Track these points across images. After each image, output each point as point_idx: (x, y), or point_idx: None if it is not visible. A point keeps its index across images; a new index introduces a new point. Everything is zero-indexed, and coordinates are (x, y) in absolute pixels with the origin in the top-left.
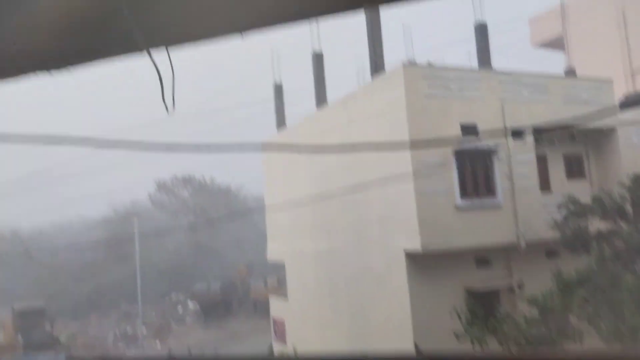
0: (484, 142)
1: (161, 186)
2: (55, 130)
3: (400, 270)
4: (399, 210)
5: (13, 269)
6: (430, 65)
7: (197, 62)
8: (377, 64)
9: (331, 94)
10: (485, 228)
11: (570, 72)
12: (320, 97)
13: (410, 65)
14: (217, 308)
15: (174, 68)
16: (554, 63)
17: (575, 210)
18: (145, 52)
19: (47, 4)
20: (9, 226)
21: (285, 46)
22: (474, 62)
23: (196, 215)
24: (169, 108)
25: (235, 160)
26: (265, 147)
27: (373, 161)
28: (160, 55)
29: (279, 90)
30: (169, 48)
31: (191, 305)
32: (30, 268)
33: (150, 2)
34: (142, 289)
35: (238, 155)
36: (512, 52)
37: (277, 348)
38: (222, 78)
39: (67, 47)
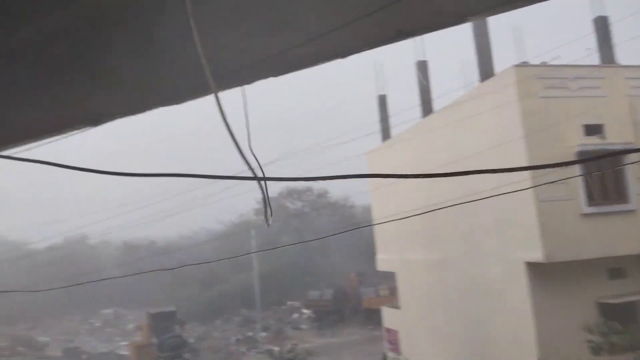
0: (612, 143)
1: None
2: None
3: (520, 282)
4: (516, 218)
5: (149, 276)
6: (544, 64)
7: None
8: (486, 69)
9: (436, 102)
10: (616, 236)
11: None
12: (426, 106)
13: (522, 65)
14: (330, 316)
15: (247, 104)
16: None
17: None
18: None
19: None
20: (148, 237)
21: (381, 56)
22: (594, 59)
23: (305, 227)
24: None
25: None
26: (371, 155)
27: (485, 166)
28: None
29: (382, 100)
30: (243, 86)
31: (306, 312)
32: (163, 276)
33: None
34: (261, 297)
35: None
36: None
37: (391, 358)
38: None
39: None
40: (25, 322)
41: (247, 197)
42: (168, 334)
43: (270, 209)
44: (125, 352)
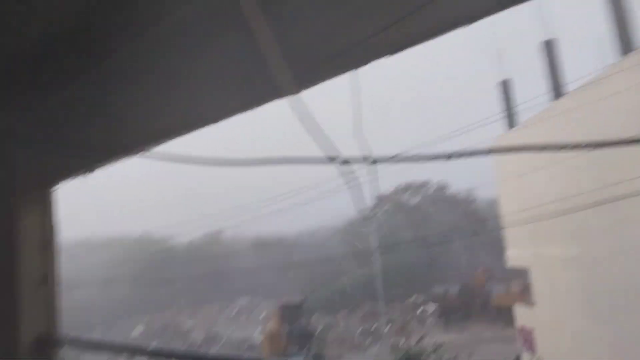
0: None
1: (383, 197)
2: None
3: None
4: None
5: (278, 269)
6: None
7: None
8: (626, 42)
9: (568, 84)
10: None
11: None
12: (557, 88)
13: None
14: (456, 312)
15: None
16: None
17: None
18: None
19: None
20: (277, 231)
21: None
22: None
23: (427, 222)
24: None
25: (463, 164)
26: (495, 149)
27: (632, 154)
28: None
29: (506, 85)
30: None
31: (431, 307)
32: (291, 269)
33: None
34: (385, 290)
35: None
36: None
37: (526, 357)
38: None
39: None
40: (172, 310)
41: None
42: (297, 324)
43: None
44: (258, 339)
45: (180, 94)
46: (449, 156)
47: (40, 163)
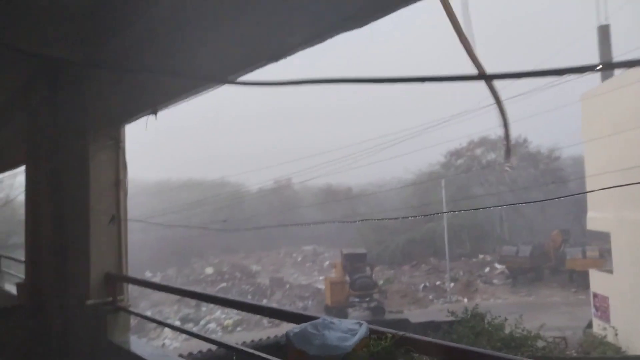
0: None
1: (456, 152)
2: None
3: None
4: None
5: (346, 220)
6: None
7: None
8: None
9: None
10: None
11: None
12: None
13: None
14: (526, 273)
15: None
16: None
17: None
18: None
19: None
20: (344, 183)
21: None
22: None
23: (503, 178)
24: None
25: (549, 118)
26: (587, 101)
27: None
28: None
29: (604, 31)
30: None
31: (499, 267)
32: (358, 220)
33: None
34: (450, 247)
35: (552, 111)
36: None
37: (598, 325)
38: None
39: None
40: (241, 253)
41: (436, 149)
42: (359, 274)
43: (503, 112)
44: (320, 286)
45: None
46: (560, 72)
47: (110, 103)
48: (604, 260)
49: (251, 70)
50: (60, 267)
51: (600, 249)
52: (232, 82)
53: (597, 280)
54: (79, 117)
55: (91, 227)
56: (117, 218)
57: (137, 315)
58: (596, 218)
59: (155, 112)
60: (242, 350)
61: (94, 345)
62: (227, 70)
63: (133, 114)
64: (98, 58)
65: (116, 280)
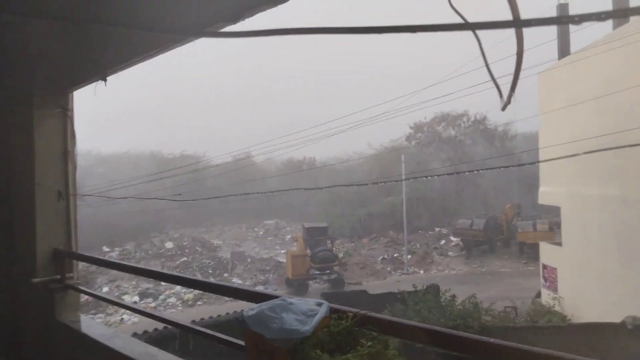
0: None
1: (418, 126)
2: None
3: None
4: None
5: (305, 193)
6: None
7: None
8: None
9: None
10: None
11: None
12: (621, 13)
13: None
14: (479, 245)
15: None
16: None
17: None
18: None
19: None
20: (308, 158)
21: None
22: None
23: (459, 153)
24: None
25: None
26: (544, 78)
27: None
28: None
29: (563, 10)
30: None
31: (454, 240)
32: (317, 193)
33: None
34: (408, 220)
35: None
36: None
37: (547, 295)
38: None
39: None
40: (203, 227)
41: (399, 121)
42: (320, 247)
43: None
44: (282, 260)
45: None
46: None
47: (57, 65)
48: (553, 233)
49: (223, 26)
50: (5, 243)
51: (550, 223)
52: (204, 34)
53: (547, 253)
54: (21, 79)
55: (37, 201)
56: (65, 193)
57: (87, 293)
58: (547, 192)
59: (104, 78)
60: (197, 330)
61: (42, 325)
62: (193, 23)
63: (81, 80)
64: (42, 7)
65: (64, 257)
